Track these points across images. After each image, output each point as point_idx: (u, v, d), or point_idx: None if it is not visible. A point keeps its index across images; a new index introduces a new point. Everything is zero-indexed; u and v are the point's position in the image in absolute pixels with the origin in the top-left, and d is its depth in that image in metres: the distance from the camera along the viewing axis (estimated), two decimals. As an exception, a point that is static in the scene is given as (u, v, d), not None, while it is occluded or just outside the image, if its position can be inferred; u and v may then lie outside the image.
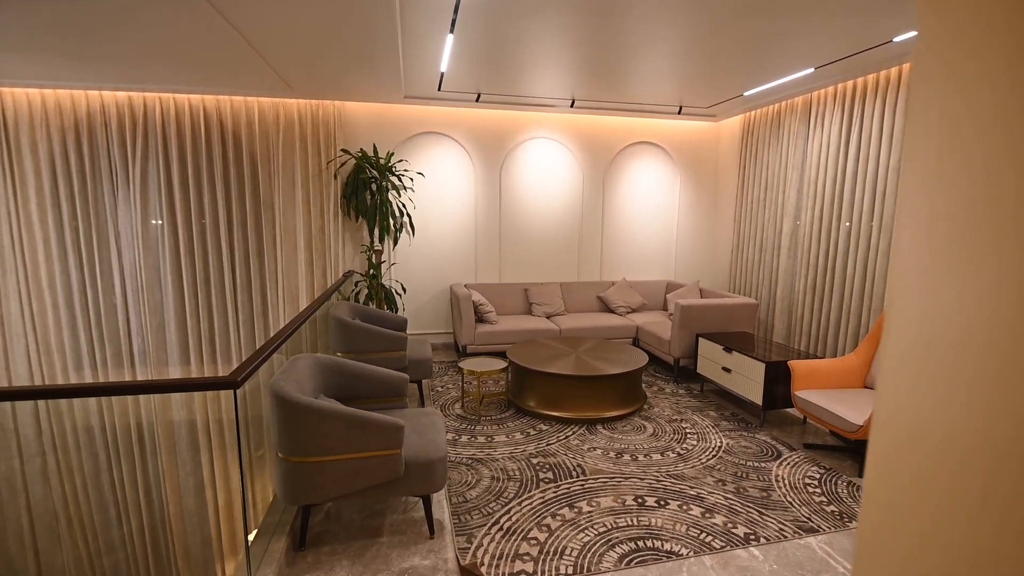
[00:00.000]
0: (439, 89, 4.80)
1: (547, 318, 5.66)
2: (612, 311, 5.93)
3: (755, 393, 3.77)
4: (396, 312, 5.40)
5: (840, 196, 4.46)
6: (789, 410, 4.02)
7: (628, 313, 5.82)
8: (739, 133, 5.81)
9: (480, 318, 5.33)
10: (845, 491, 2.94)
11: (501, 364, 4.01)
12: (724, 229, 6.22)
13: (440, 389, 4.56)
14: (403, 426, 2.32)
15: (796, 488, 2.96)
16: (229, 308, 5.36)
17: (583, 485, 2.94)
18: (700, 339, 4.46)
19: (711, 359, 4.30)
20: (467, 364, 3.98)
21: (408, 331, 5.76)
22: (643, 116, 5.90)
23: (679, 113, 5.49)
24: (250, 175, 5.28)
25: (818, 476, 3.10)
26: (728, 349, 4.07)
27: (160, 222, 5.20)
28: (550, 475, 3.05)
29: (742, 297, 4.86)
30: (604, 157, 6.00)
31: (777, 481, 3.04)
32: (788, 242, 5.02)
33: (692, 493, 2.88)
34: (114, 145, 5.01)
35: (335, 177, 5.33)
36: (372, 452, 2.29)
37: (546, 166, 5.90)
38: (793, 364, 3.52)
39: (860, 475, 3.11)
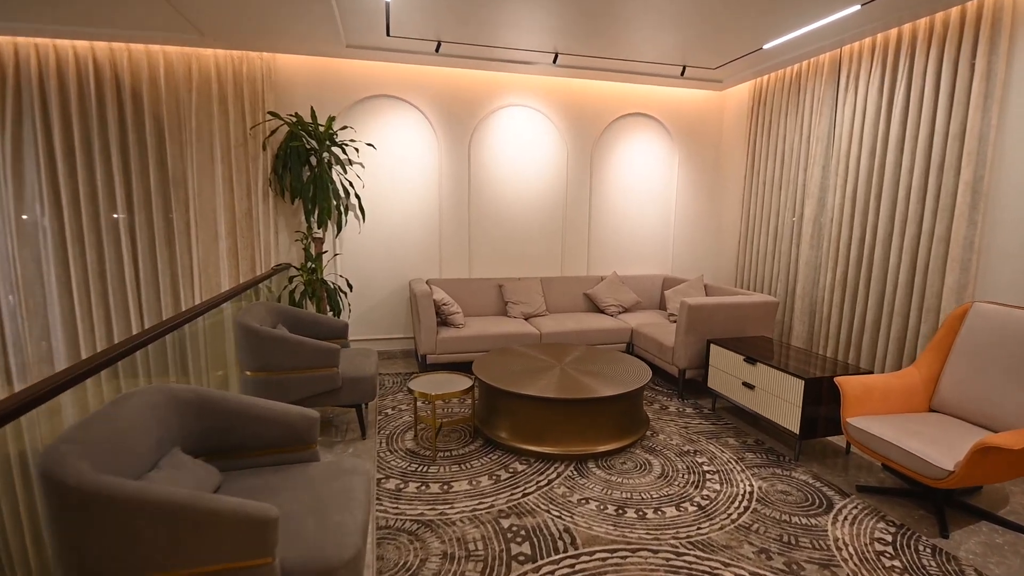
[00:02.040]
0: (388, 34, 3.84)
1: (525, 320, 4.77)
2: (602, 311, 5.07)
3: (790, 418, 2.94)
4: (339, 315, 4.44)
5: (880, 171, 3.66)
6: (831, 438, 3.20)
7: (620, 313, 4.97)
8: (747, 103, 4.99)
9: (444, 321, 4.41)
10: (933, 561, 2.12)
11: (464, 383, 3.10)
12: (730, 214, 5.40)
13: (391, 412, 3.64)
14: (275, 519, 1.39)
15: (867, 559, 2.13)
16: (132, 311, 4.33)
17: (573, 566, 2.06)
18: (712, 346, 3.62)
19: (727, 371, 3.47)
20: (419, 384, 3.06)
21: (356, 337, 4.81)
22: (637, 81, 5.03)
23: (682, 75, 4.63)
24: (155, 145, 4.25)
25: (890, 538, 2.28)
26: (751, 360, 3.23)
27: (39, 206, 4.13)
28: (526, 548, 2.16)
29: (760, 295, 4.03)
30: (592, 130, 5.13)
31: (838, 547, 2.21)
32: (811, 228, 4.21)
33: (729, 577, 2.02)
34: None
35: (264, 148, 4.34)
36: (219, 565, 1.35)
37: (524, 140, 4.99)
38: (842, 382, 2.69)
39: (945, 534, 2.30)
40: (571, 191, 5.17)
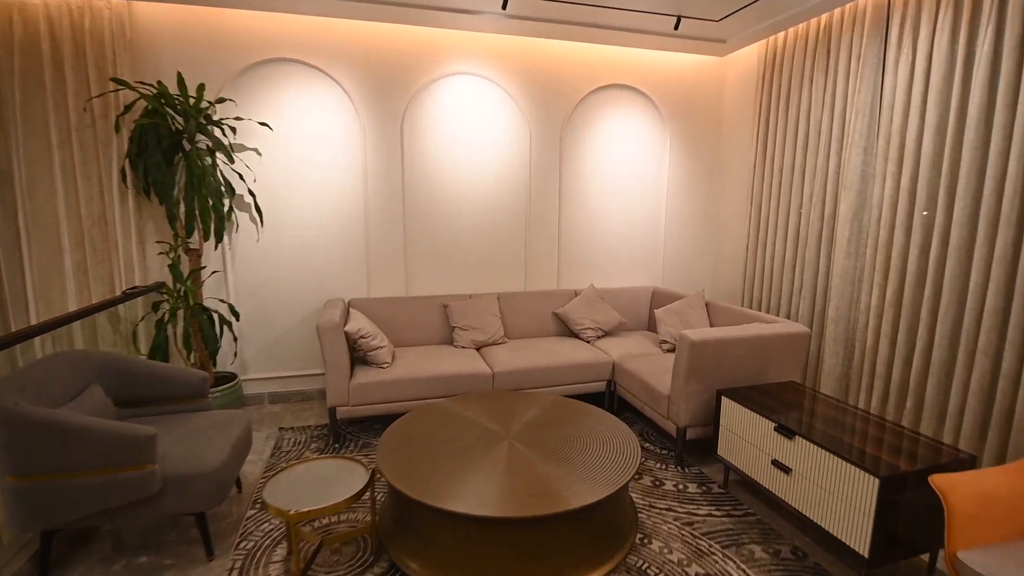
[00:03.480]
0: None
1: (477, 350, 3.70)
2: (576, 335, 4.01)
3: (853, 530, 1.91)
4: (215, 354, 3.31)
5: (954, 155, 2.64)
6: (921, 557, 2.18)
7: (599, 338, 3.92)
8: (756, 70, 3.94)
9: (364, 358, 3.32)
10: None
11: (357, 479, 2.03)
12: (735, 212, 4.37)
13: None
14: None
15: None
16: None
17: None
18: (724, 400, 2.58)
19: (748, 439, 2.43)
20: (273, 494, 1.96)
21: (257, 376, 3.72)
22: (618, 42, 3.96)
23: (676, 28, 3.55)
24: (-40, 125, 3.10)
25: None
26: (787, 431, 2.20)
27: None
28: None
29: (784, 322, 3.00)
30: (561, 106, 4.05)
31: None
32: (848, 230, 3.19)
33: None
34: None
35: (117, 129, 3.21)
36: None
37: (474, 118, 3.90)
38: (946, 489, 1.67)
39: None
40: (536, 183, 4.09)
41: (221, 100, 3.31)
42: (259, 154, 3.56)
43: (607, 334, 4.00)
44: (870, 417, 2.30)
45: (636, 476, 2.77)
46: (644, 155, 4.31)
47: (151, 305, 3.29)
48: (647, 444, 3.15)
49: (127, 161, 3.19)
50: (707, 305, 3.70)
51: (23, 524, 1.89)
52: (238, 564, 2.10)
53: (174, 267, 3.15)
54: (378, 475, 2.73)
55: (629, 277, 4.46)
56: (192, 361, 3.27)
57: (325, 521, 2.37)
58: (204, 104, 3.21)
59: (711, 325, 3.62)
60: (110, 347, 3.39)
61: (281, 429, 3.38)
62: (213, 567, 2.10)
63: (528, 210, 4.11)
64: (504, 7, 3.16)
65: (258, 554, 2.16)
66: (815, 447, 2.05)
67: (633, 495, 2.58)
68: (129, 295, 3.13)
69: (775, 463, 2.25)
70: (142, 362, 2.48)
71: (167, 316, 3.11)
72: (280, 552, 2.17)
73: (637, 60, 4.12)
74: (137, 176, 3.21)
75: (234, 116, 3.44)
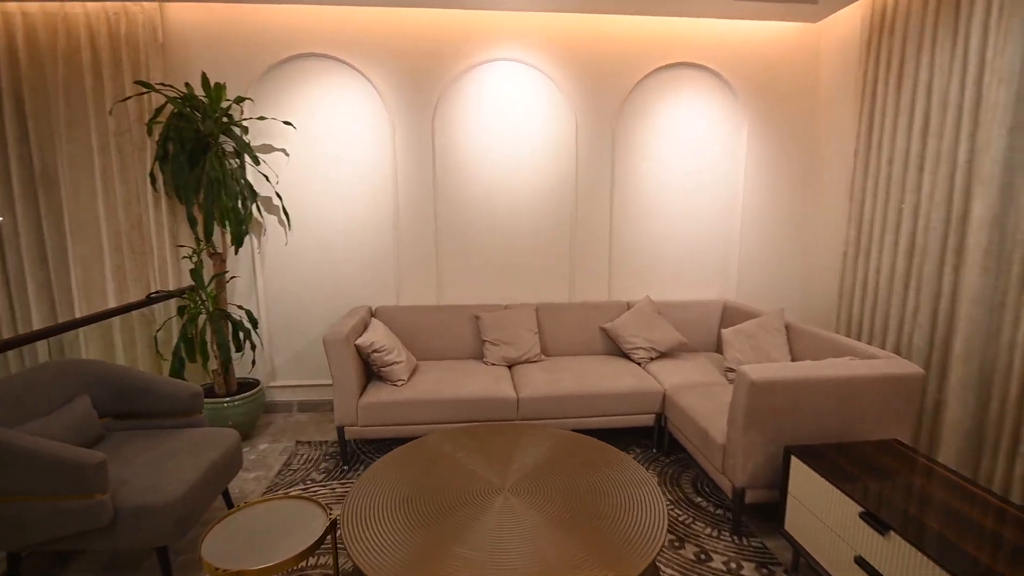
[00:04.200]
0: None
1: (508, 368, 3.30)
2: (625, 355, 3.48)
3: None
4: (228, 361, 3.20)
5: None
6: None
7: (653, 360, 3.36)
8: (859, 35, 3.15)
9: (378, 373, 3.05)
10: None
11: (312, 529, 1.72)
12: (829, 213, 3.59)
13: (254, 531, 2.33)
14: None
15: None
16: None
17: None
18: (793, 460, 1.97)
19: (823, 520, 1.82)
20: (215, 542, 1.69)
21: (284, 384, 3.60)
22: (684, 12, 3.38)
23: (750, -8, 2.92)
24: (18, 133, 3.25)
25: None
26: (878, 523, 1.58)
27: None
28: None
29: (888, 357, 2.29)
30: (614, 92, 3.53)
31: None
32: (984, 238, 2.39)
33: None
34: None
35: (150, 133, 3.20)
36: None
37: (512, 109, 3.50)
38: None
39: None
40: (584, 180, 3.61)
41: (240, 100, 3.20)
42: (287, 155, 3.42)
43: (663, 355, 3.42)
44: (1009, 510, 1.60)
45: (675, 544, 2.22)
46: (714, 145, 3.66)
47: (177, 309, 3.26)
48: (698, 498, 2.57)
49: (156, 164, 3.18)
50: (787, 328, 3.01)
51: (-22, 547, 1.79)
52: (195, 609, 1.88)
53: (196, 272, 3.08)
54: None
55: (695, 289, 3.82)
56: (214, 368, 3.19)
57: (293, 569, 2.10)
58: (224, 104, 3.11)
59: (791, 353, 2.93)
60: (139, 351, 3.42)
61: (298, 443, 3.21)
62: (170, 609, 1.90)
63: (574, 211, 3.63)
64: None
65: (220, 599, 1.93)
66: (921, 556, 1.42)
67: (668, 572, 2.05)
68: (153, 299, 3.10)
69: (860, 562, 1.63)
70: (135, 373, 2.37)
71: (186, 321, 3.04)
72: (242, 600, 1.92)
73: (704, 33, 3.50)
74: (166, 179, 3.18)
75: (257, 116, 3.33)
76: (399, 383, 2.97)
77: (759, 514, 2.44)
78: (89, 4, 3.13)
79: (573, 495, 1.87)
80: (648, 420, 3.01)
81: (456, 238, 3.61)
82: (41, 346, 3.12)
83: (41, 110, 3.23)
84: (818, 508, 1.84)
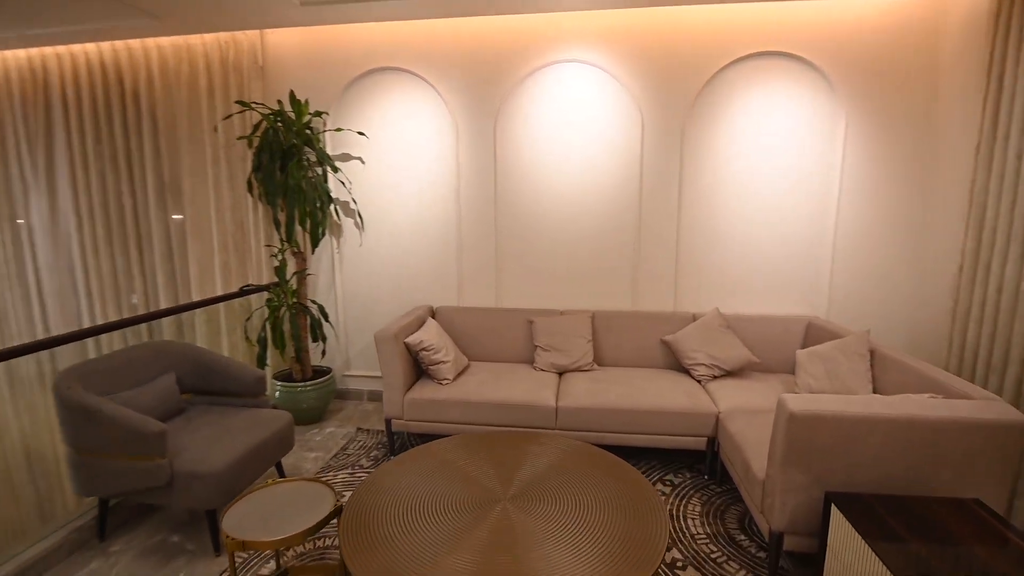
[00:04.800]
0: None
1: (557, 375, 3.25)
2: (686, 371, 3.25)
3: None
4: (323, 351, 3.53)
5: None
6: None
7: (714, 379, 3.09)
8: (989, 13, 2.57)
9: (427, 371, 3.18)
10: None
11: (320, 508, 1.86)
12: (945, 219, 3.01)
13: (298, 507, 2.56)
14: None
15: None
16: (144, 337, 4.08)
17: None
18: (834, 510, 1.70)
19: (858, 584, 1.55)
20: (235, 515, 1.89)
21: (358, 374, 3.89)
22: None
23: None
24: (153, 148, 3.89)
25: None
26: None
27: (22, 220, 4.11)
28: None
29: (988, 400, 1.87)
30: (684, 88, 3.29)
31: None
32: None
33: None
34: (19, 120, 4.03)
35: (251, 146, 3.65)
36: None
37: (574, 111, 3.42)
38: None
39: None
40: (649, 183, 3.42)
41: (318, 114, 3.51)
42: (362, 163, 3.69)
43: (728, 374, 3.13)
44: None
45: (705, 563, 2.03)
46: (804, 143, 3.25)
47: (266, 302, 3.67)
48: (741, 537, 2.32)
49: (252, 174, 3.61)
50: (872, 353, 2.59)
51: (78, 488, 2.19)
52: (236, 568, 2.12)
53: (279, 269, 3.45)
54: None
55: (775, 303, 3.44)
56: (292, 356, 3.55)
57: (306, 547, 2.27)
58: (306, 119, 3.43)
59: (872, 382, 2.52)
60: (238, 336, 3.90)
61: (359, 430, 3.46)
62: (217, 563, 2.16)
63: (638, 214, 3.46)
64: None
65: (254, 561, 2.16)
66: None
67: (680, 610, 1.88)
68: (245, 291, 3.54)
69: (892, 642, 1.36)
70: (213, 356, 2.73)
71: (269, 314, 3.42)
72: (271, 565, 2.13)
73: (796, 15, 3.12)
74: (259, 187, 3.61)
75: (335, 127, 3.63)
76: (444, 382, 3.07)
77: (805, 564, 2.13)
78: (206, 36, 3.65)
79: (574, 506, 1.80)
80: (699, 444, 2.77)
81: (515, 242, 3.63)
82: (154, 326, 3.71)
83: (169, 128, 3.83)
84: (854, 568, 1.57)
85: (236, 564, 2.16)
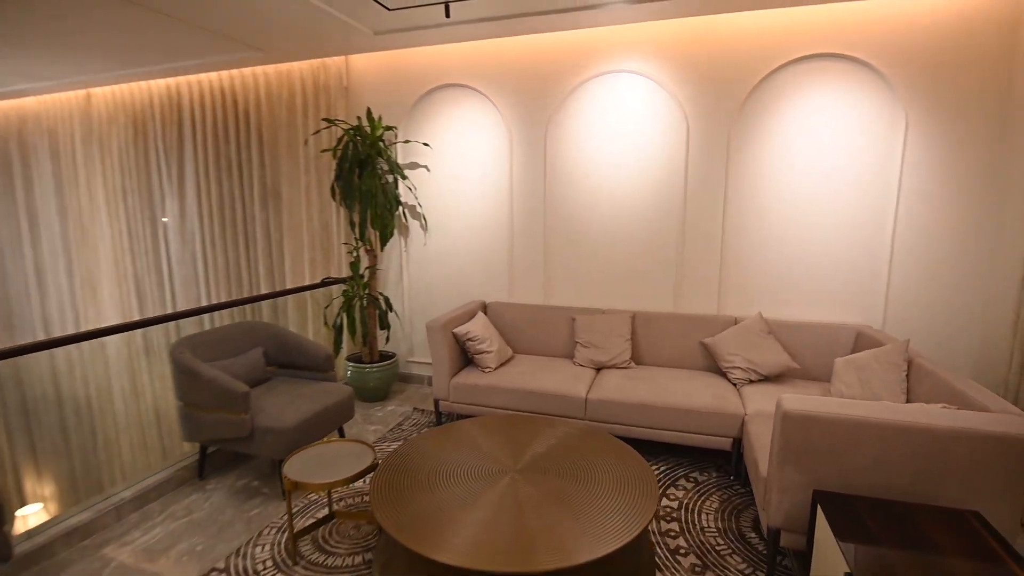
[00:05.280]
0: (388, 8, 3.12)
1: (595, 371, 3.42)
2: (722, 373, 3.28)
3: None
4: (387, 337, 3.99)
5: None
6: None
7: (750, 383, 3.10)
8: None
9: (473, 360, 3.49)
10: None
11: (362, 458, 2.22)
12: (1020, 228, 2.79)
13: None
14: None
15: None
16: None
17: None
18: (820, 509, 1.76)
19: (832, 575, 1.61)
20: (296, 461, 2.30)
21: (423, 360, 4.31)
22: (817, 1, 3.01)
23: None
24: (258, 159, 4.58)
25: None
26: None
27: (166, 220, 4.95)
28: None
29: (1005, 413, 1.82)
30: (731, 93, 3.32)
31: None
32: None
33: None
34: (159, 136, 4.92)
35: (335, 155, 4.19)
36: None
37: (620, 119, 3.57)
38: None
39: None
40: (694, 188, 3.48)
41: (389, 128, 3.96)
42: (428, 170, 4.10)
43: (765, 379, 3.13)
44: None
45: (696, 568, 2.14)
46: (858, 145, 3.15)
47: (342, 292, 4.20)
48: (752, 535, 2.37)
49: (335, 181, 4.14)
50: (910, 363, 2.50)
51: (185, 435, 2.76)
52: (295, 511, 2.56)
53: (354, 264, 3.95)
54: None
55: (827, 310, 3.35)
56: (365, 343, 4.04)
57: (353, 499, 2.64)
58: (379, 132, 3.89)
59: (907, 393, 2.44)
60: (321, 322, 4.47)
61: (415, 409, 3.86)
62: (282, 507, 2.62)
63: (682, 218, 3.53)
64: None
65: (312, 507, 2.59)
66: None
67: (671, 589, 2.02)
68: (325, 283, 4.08)
69: (844, 628, 1.43)
70: (292, 335, 3.24)
71: (343, 303, 3.92)
72: (324, 511, 2.55)
73: (850, 14, 3.04)
74: (340, 192, 4.13)
75: (404, 139, 4.06)
76: (486, 370, 3.37)
77: (802, 561, 2.15)
78: (302, 63, 4.24)
79: (573, 478, 2.02)
80: (724, 444, 2.83)
81: (563, 243, 3.84)
82: (248, 309, 4.34)
83: (271, 141, 4.49)
84: (828, 562, 1.63)
85: (299, 508, 2.60)
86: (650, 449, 3.21)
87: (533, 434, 2.43)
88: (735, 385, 3.13)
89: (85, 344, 3.22)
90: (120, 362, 4.22)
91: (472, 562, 1.61)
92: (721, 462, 3.04)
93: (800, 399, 1.92)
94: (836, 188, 3.22)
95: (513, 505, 1.88)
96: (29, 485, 3.45)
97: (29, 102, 5.41)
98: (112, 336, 2.67)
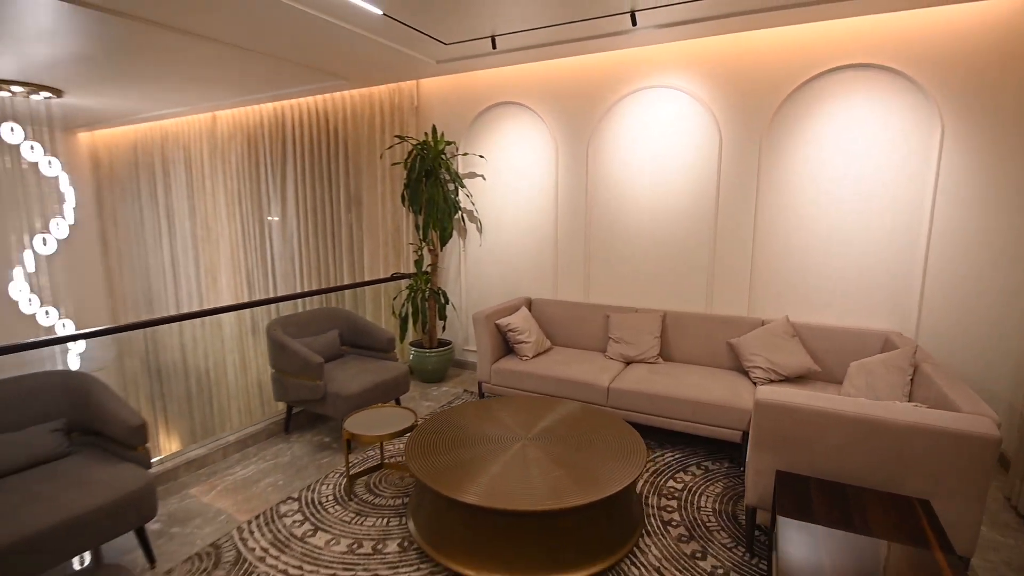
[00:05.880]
0: (445, 43, 3.61)
1: (624, 364, 3.72)
2: (745, 372, 3.45)
3: None
4: (443, 327, 4.53)
5: None
6: None
7: (771, 382, 3.26)
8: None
9: (513, 348, 3.92)
10: None
11: (407, 420, 2.74)
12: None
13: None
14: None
15: None
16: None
17: None
18: (778, 483, 1.99)
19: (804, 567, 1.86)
20: (356, 418, 2.86)
21: (474, 348, 4.81)
22: (851, 11, 3.11)
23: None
24: (344, 170, 5.31)
25: None
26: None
27: (275, 218, 5.82)
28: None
29: (978, 412, 1.94)
30: (762, 105, 3.47)
31: None
32: None
33: None
34: (267, 150, 5.83)
35: (405, 166, 4.80)
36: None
37: (657, 131, 3.82)
38: None
39: None
40: (726, 195, 3.66)
41: (450, 142, 4.48)
42: (484, 179, 4.58)
43: (786, 379, 3.27)
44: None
45: (683, 538, 2.42)
46: (891, 152, 3.19)
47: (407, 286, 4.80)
48: (744, 518, 2.59)
49: (405, 189, 4.75)
50: (915, 369, 2.57)
51: (275, 395, 3.44)
52: (355, 462, 3.14)
53: (417, 262, 4.53)
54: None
55: (857, 316, 3.40)
56: (425, 331, 4.60)
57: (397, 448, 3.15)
58: (441, 146, 4.42)
59: (909, 395, 2.53)
60: (391, 311, 5.11)
61: (464, 391, 4.36)
62: (340, 459, 3.20)
63: (714, 224, 3.72)
64: (634, 23, 3.08)
65: (367, 461, 3.15)
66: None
67: (669, 566, 2.32)
68: (394, 277, 4.70)
69: (771, 578, 1.69)
70: (362, 320, 3.85)
71: (408, 295, 4.51)
72: (375, 463, 3.09)
73: (885, 25, 3.09)
74: (408, 199, 4.73)
75: (463, 152, 4.57)
76: (524, 358, 3.78)
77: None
78: (381, 88, 4.89)
79: (575, 446, 2.39)
80: (735, 436, 3.03)
81: (603, 246, 4.15)
82: (333, 297, 5.06)
83: (355, 154, 5.19)
84: (799, 547, 1.87)
85: (358, 461, 3.17)
86: (667, 438, 3.46)
87: (546, 411, 2.81)
88: (755, 384, 3.29)
89: (207, 321, 4.03)
90: (232, 340, 5.13)
91: (484, 502, 2.02)
92: (735, 454, 3.23)
93: (774, 391, 2.15)
94: (869, 195, 3.27)
95: (522, 464, 2.29)
96: (163, 426, 4.39)
97: (169, 124, 6.61)
98: (226, 314, 3.40)
